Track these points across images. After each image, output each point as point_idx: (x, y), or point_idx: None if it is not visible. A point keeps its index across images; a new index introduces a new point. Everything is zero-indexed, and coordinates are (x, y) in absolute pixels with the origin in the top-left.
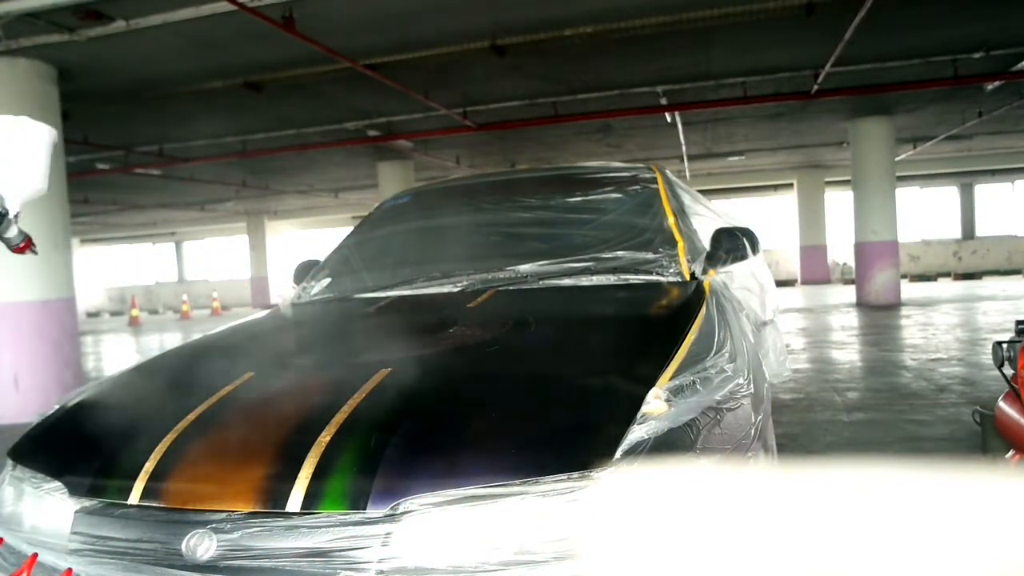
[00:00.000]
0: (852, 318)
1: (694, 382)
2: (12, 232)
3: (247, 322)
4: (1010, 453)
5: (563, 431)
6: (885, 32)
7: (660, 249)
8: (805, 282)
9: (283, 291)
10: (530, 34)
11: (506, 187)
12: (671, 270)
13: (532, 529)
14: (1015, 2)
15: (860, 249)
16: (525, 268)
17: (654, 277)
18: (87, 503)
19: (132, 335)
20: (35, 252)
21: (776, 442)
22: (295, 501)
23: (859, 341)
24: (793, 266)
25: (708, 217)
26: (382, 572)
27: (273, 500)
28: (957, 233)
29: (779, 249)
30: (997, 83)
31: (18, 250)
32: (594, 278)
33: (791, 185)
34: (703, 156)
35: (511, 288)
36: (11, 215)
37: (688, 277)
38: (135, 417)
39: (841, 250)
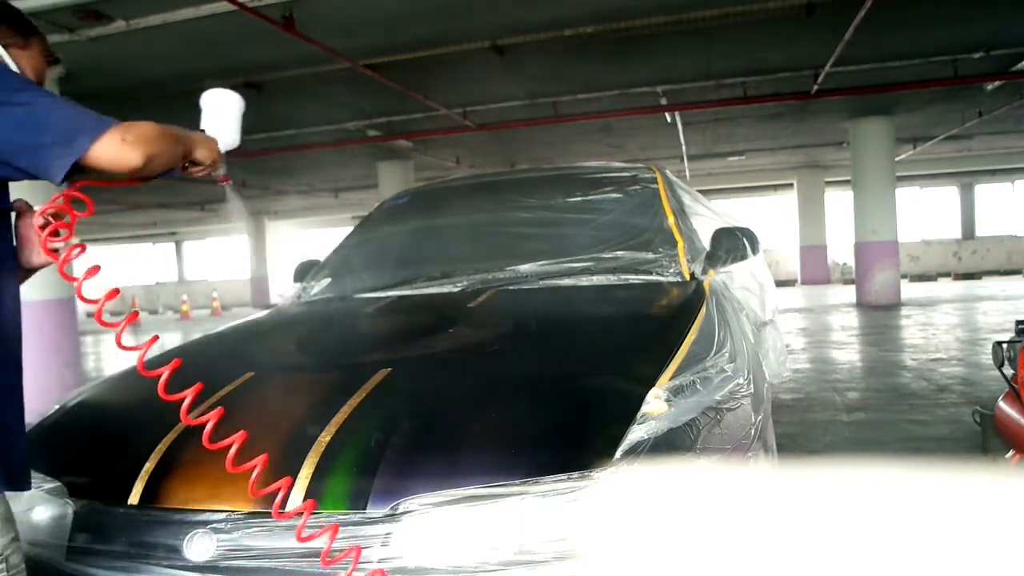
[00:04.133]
0: (852, 318)
1: (694, 382)
2: (220, 170)
3: (247, 322)
4: (1010, 453)
5: (563, 431)
6: (885, 32)
7: (660, 249)
8: (805, 282)
9: (283, 291)
10: (530, 34)
11: (506, 187)
12: (671, 270)
13: (532, 529)
14: (1015, 2)
15: (860, 249)
16: (525, 268)
17: (654, 277)
18: (87, 503)
19: (132, 335)
20: (231, 185)
21: (776, 442)
22: (295, 501)
23: (859, 341)
24: (793, 266)
25: (708, 217)
26: (382, 572)
27: (273, 500)
28: (957, 233)
29: (779, 249)
30: (997, 83)
31: (221, 181)
32: (594, 278)
33: (791, 185)
34: (703, 156)
35: (511, 288)
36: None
37: (688, 277)
38: (135, 417)
39: (841, 250)
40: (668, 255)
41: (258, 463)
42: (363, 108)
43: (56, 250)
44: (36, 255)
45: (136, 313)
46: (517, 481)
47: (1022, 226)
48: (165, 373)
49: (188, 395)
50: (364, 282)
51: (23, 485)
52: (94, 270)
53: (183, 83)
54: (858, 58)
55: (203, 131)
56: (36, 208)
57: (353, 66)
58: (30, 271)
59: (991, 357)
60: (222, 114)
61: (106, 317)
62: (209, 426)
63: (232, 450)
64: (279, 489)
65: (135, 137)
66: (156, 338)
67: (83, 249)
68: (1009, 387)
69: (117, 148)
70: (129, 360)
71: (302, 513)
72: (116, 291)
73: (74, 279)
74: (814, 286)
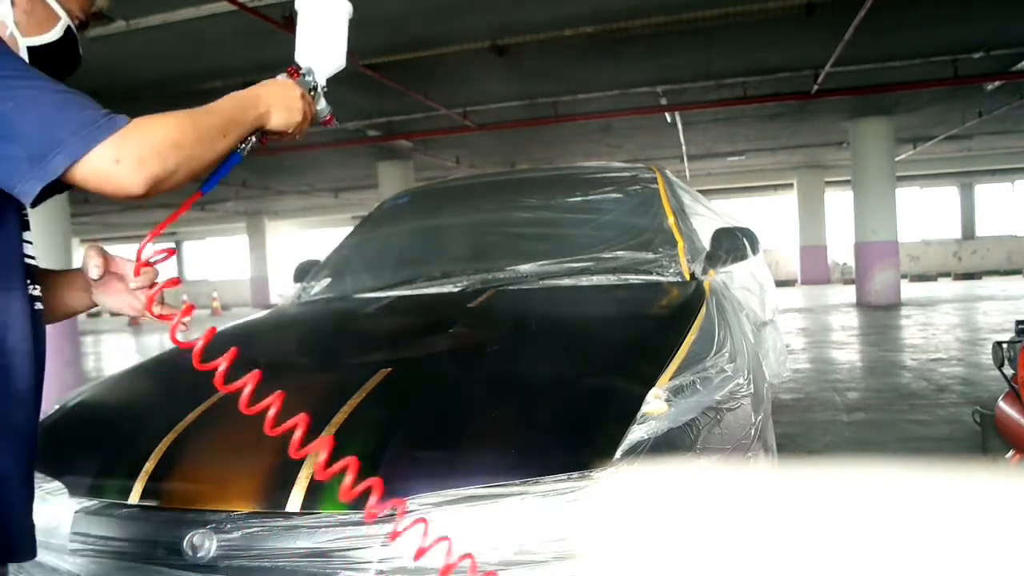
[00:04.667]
0: (852, 318)
1: (694, 382)
2: (321, 105)
3: (247, 322)
4: (1010, 453)
5: (563, 431)
6: (885, 32)
7: (660, 249)
8: (805, 282)
9: (283, 291)
10: (530, 34)
11: (506, 187)
12: (671, 270)
13: (532, 529)
14: (1015, 2)
15: (860, 249)
16: (525, 268)
17: (654, 277)
18: (87, 503)
19: (132, 335)
20: (339, 124)
21: (776, 442)
22: (295, 501)
23: (859, 341)
24: (793, 266)
25: (708, 217)
26: (382, 572)
27: (273, 500)
28: (957, 233)
29: (779, 249)
30: (997, 83)
31: (324, 123)
32: (594, 278)
33: (791, 185)
34: (703, 156)
35: (511, 288)
36: (320, 89)
37: (688, 277)
38: (135, 417)
39: (841, 250)
40: (668, 255)
41: (322, 445)
42: (363, 108)
43: (164, 314)
44: (112, 299)
45: (192, 305)
46: (517, 481)
47: (1022, 226)
48: (222, 365)
49: (248, 383)
50: (364, 282)
51: (26, 555)
52: (189, 309)
53: (183, 83)
54: (858, 58)
55: (293, 67)
56: (117, 253)
57: (353, 66)
58: (92, 305)
59: (991, 357)
60: (322, 26)
61: (106, 317)
62: (271, 412)
63: (297, 433)
64: (343, 470)
65: (136, 157)
66: (214, 330)
67: (191, 311)
68: (1009, 387)
69: (108, 172)
70: (129, 360)
71: (369, 491)
72: (213, 331)
73: (190, 345)
74: (814, 286)
